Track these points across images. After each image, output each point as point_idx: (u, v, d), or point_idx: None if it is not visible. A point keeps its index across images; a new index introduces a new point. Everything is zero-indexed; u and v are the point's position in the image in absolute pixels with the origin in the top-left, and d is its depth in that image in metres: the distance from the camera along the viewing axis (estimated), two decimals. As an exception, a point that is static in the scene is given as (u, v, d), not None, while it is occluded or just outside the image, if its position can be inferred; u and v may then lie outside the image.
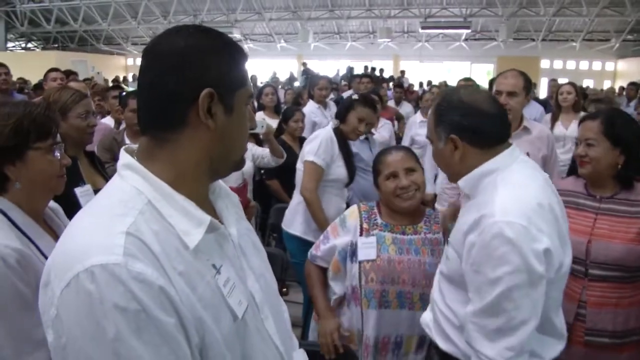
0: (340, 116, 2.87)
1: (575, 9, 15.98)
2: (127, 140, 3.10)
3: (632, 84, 8.90)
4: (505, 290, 1.25)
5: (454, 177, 1.53)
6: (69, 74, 4.70)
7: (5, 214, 1.22)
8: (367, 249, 1.87)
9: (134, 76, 17.67)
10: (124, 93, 3.96)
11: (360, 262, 1.86)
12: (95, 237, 0.77)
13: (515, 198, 1.32)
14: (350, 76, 11.06)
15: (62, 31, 20.82)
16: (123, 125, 3.42)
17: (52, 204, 1.44)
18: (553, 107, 4.95)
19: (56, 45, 21.59)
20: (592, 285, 1.84)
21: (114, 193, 0.86)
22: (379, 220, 1.94)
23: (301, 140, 3.60)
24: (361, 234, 1.92)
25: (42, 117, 1.28)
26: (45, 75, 4.37)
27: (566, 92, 4.44)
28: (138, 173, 0.86)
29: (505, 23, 16.66)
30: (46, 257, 1.16)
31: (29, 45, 22.53)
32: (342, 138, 2.85)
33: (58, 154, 1.33)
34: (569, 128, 4.34)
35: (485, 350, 1.28)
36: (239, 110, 0.91)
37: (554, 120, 4.55)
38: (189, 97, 0.85)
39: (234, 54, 0.91)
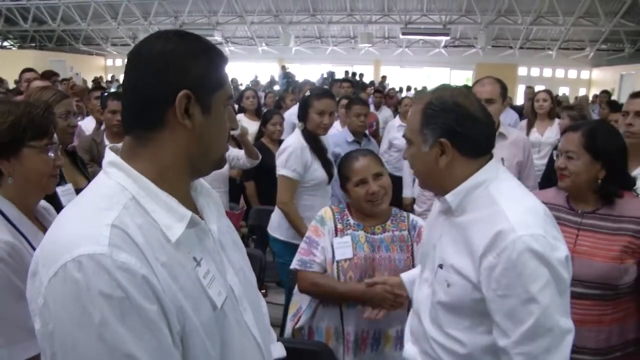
0: (302, 117, 2.91)
1: (552, 18, 16.34)
2: (106, 141, 3.09)
3: (604, 92, 9.18)
4: (544, 307, 1.17)
5: (429, 184, 1.44)
6: (51, 75, 4.65)
7: None
8: (343, 248, 1.91)
9: (112, 77, 17.50)
10: (105, 94, 3.95)
11: (337, 262, 1.91)
12: (81, 229, 0.81)
13: (525, 209, 1.26)
14: (331, 81, 11.13)
15: (39, 30, 20.46)
16: (104, 126, 3.41)
17: (45, 203, 1.48)
18: (529, 114, 5.07)
19: (33, 45, 21.23)
20: (574, 303, 1.64)
21: (100, 189, 0.90)
22: (352, 221, 1.99)
23: (280, 143, 3.64)
24: (336, 235, 1.96)
25: (40, 117, 1.33)
26: (20, 75, 4.32)
27: (542, 100, 4.56)
28: (122, 170, 0.90)
29: (483, 31, 16.93)
30: None
31: (5, 43, 22.12)
32: (312, 138, 2.87)
33: (52, 154, 1.36)
34: (544, 134, 4.45)
35: None
36: (216, 110, 0.95)
37: (529, 126, 4.65)
38: (168, 99, 0.88)
39: (212, 57, 0.94)
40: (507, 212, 1.23)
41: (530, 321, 1.18)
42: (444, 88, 1.40)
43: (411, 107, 1.44)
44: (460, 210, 1.33)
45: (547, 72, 19.51)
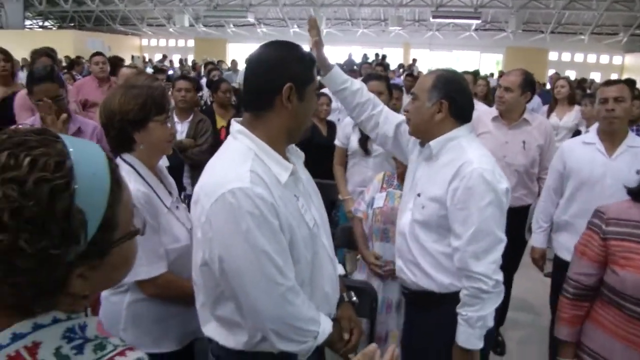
0: None
1: (585, 3, 16.24)
2: (175, 118, 3.58)
3: (626, 81, 9.04)
4: (487, 217, 1.68)
5: (419, 132, 1.88)
6: (118, 61, 5.18)
7: (132, 167, 1.70)
8: (378, 200, 2.52)
9: (144, 58, 17.98)
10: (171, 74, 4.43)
11: (373, 209, 2.50)
12: (231, 172, 1.29)
13: (482, 153, 1.77)
14: (361, 63, 11.47)
15: (78, 10, 21.16)
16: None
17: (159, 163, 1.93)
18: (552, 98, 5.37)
19: (72, 25, 21.95)
20: None
21: (233, 149, 1.37)
22: (395, 182, 2.54)
23: (328, 122, 4.13)
24: (380, 191, 2.53)
25: (160, 97, 1.73)
26: (91, 58, 4.86)
27: (560, 86, 4.89)
28: (247, 136, 1.37)
29: (514, 14, 16.93)
30: (161, 199, 1.67)
31: (46, 23, 22.92)
32: None
33: (169, 125, 1.78)
34: (562, 119, 4.78)
35: (476, 268, 1.69)
36: (309, 98, 1.40)
37: (549, 111, 4.99)
38: (277, 90, 1.33)
39: (306, 60, 1.39)
40: (469, 153, 1.75)
41: (476, 225, 1.69)
42: (452, 70, 2.00)
43: (424, 75, 1.96)
44: (437, 156, 1.81)
45: (579, 57, 19.37)
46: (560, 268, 2.54)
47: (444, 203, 1.76)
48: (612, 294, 1.65)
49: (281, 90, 1.32)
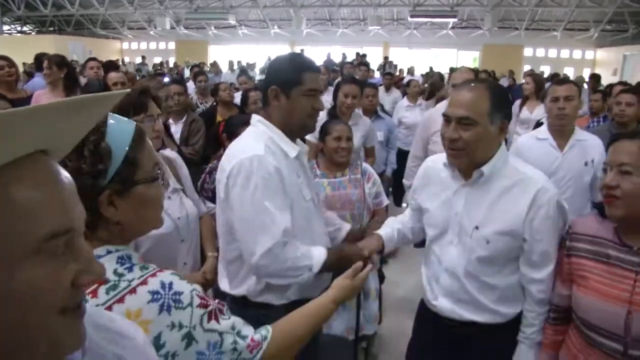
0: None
1: (557, 0, 16.73)
2: (170, 119, 3.84)
3: (592, 75, 9.42)
4: (557, 244, 1.65)
5: (475, 158, 1.62)
6: (110, 64, 5.38)
7: None
8: None
9: (123, 60, 18.02)
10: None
11: None
12: (249, 146, 1.63)
13: (541, 174, 1.67)
14: (342, 62, 11.76)
15: (58, 15, 21.05)
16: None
17: (171, 153, 2.23)
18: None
19: (52, 29, 21.84)
20: None
21: (252, 131, 1.73)
22: (318, 172, 2.74)
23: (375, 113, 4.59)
24: None
25: (136, 98, 1.93)
26: (85, 63, 5.06)
27: (525, 82, 5.28)
28: (264, 124, 1.71)
29: (490, 12, 17.36)
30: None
31: (24, 28, 22.75)
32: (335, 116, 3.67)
33: (149, 124, 1.95)
34: (533, 112, 5.13)
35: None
36: (295, 97, 1.69)
37: (521, 105, 5.35)
38: (267, 90, 1.69)
39: (292, 68, 1.70)
40: (533, 175, 1.63)
41: (554, 256, 1.64)
42: (481, 78, 2.08)
43: (462, 91, 1.63)
44: (487, 180, 1.64)
45: (552, 53, 19.97)
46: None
47: (520, 235, 1.62)
48: (575, 317, 1.57)
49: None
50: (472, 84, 1.64)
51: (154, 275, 0.99)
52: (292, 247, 1.61)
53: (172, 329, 0.95)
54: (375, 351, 3.28)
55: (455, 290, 1.73)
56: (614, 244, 1.48)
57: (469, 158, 1.61)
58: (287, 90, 1.68)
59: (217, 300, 1.08)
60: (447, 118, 1.63)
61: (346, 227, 2.20)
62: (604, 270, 1.47)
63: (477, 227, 1.65)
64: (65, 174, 0.58)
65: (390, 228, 2.01)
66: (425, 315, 1.88)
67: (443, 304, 1.77)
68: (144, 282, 0.97)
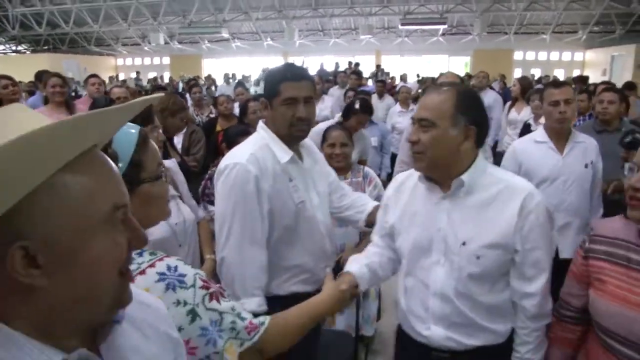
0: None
1: (545, 4, 16.99)
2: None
3: (579, 77, 9.51)
4: (551, 252, 1.58)
5: (438, 166, 1.52)
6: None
7: None
8: None
9: (112, 77, 18.18)
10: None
11: None
12: (239, 152, 1.79)
13: (523, 180, 1.60)
14: (335, 72, 11.93)
15: (52, 34, 21.17)
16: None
17: (168, 162, 2.32)
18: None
19: (47, 48, 21.97)
20: None
21: (253, 137, 1.88)
22: None
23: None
24: None
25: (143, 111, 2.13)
26: (86, 80, 5.20)
27: (513, 85, 5.42)
28: (264, 130, 1.86)
29: (479, 18, 17.58)
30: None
31: (19, 48, 22.88)
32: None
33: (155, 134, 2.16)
34: (520, 113, 5.31)
35: (548, 307, 1.56)
36: (276, 107, 1.82)
37: (510, 107, 5.57)
38: (261, 100, 1.87)
39: (270, 80, 1.85)
40: (518, 183, 1.53)
41: (548, 266, 1.53)
42: (457, 83, 2.09)
43: (430, 94, 1.55)
44: (468, 192, 1.51)
45: (542, 56, 20.27)
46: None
47: (511, 246, 1.49)
48: (593, 321, 1.49)
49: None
50: (443, 88, 1.56)
51: (161, 259, 1.12)
52: (242, 269, 1.76)
53: (177, 305, 1.07)
54: (375, 348, 3.39)
55: (448, 314, 1.55)
56: (636, 246, 1.39)
57: (428, 161, 1.51)
58: (270, 102, 1.83)
59: (218, 285, 1.19)
60: (412, 121, 1.58)
61: (369, 207, 2.07)
62: (623, 273, 1.38)
63: (464, 243, 1.50)
64: (111, 161, 0.71)
65: (358, 264, 1.70)
66: (409, 350, 1.69)
67: (436, 332, 1.57)
68: (152, 265, 1.10)
